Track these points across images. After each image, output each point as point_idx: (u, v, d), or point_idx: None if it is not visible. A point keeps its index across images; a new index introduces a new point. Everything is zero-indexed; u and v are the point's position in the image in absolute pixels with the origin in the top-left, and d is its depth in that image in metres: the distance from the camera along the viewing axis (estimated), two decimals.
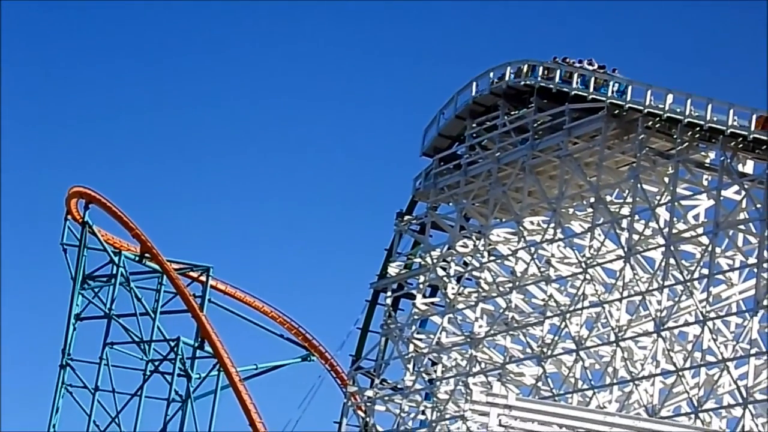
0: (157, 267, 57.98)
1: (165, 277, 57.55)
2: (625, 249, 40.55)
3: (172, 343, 56.50)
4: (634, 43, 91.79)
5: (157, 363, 56.56)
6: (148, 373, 56.48)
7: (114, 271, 57.80)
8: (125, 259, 58.19)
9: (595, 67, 42.52)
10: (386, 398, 47.58)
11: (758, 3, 71.95)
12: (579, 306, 41.27)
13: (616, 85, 41.50)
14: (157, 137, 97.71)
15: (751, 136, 37.35)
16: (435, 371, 46.66)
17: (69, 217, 58.98)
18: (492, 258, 45.71)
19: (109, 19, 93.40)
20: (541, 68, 44.03)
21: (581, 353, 40.70)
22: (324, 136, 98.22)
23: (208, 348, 56.28)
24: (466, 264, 46.99)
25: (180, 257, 59.07)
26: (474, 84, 46.52)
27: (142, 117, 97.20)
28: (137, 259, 58.57)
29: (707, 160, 40.22)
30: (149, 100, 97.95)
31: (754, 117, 37.38)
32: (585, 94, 42.12)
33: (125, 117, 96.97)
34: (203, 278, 58.53)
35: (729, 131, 37.82)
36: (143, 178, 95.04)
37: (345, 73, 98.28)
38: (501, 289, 44.71)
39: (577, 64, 43.02)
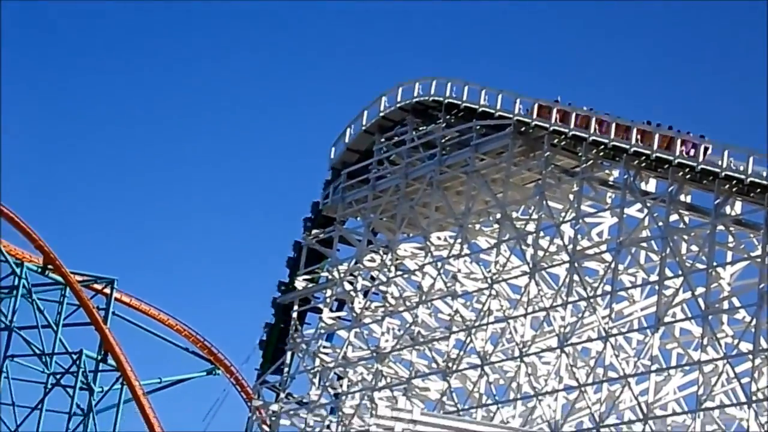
0: (60, 279, 57.21)
1: (68, 289, 56.81)
2: (530, 265, 40.95)
3: (75, 356, 55.77)
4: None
5: (59, 376, 55.76)
6: (49, 386, 55.66)
7: (16, 283, 56.92)
8: (27, 270, 57.34)
9: None
10: (291, 412, 47.42)
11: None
12: (484, 321, 41.56)
13: None
14: (58, 146, 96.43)
15: (654, 155, 38.00)
16: (341, 385, 46.62)
17: None
18: (399, 273, 45.84)
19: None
20: (449, 84, 44.36)
21: (486, 368, 40.97)
22: (229, 148, 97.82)
23: (111, 361, 55.66)
24: (373, 278, 47.06)
25: (84, 269, 58.35)
26: (383, 99, 46.71)
27: (43, 124, 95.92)
28: (40, 270, 57.76)
29: (611, 178, 40.80)
30: (50, 106, 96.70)
31: (657, 136, 38.11)
32: (492, 111, 42.50)
33: (26, 124, 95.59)
34: (107, 291, 57.89)
35: (632, 150, 38.44)
36: (46, 189, 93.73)
37: (256, 82, 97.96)
38: (407, 303, 44.85)
39: None
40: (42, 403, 55.40)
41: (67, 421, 55.10)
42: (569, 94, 42.00)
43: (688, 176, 37.54)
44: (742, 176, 36.14)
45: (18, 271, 57.03)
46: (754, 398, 35.00)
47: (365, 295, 46.90)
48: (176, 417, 73.44)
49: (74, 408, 55.28)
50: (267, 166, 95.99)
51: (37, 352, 56.13)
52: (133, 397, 54.79)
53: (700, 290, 37.01)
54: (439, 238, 45.52)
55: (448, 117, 44.40)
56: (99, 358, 55.84)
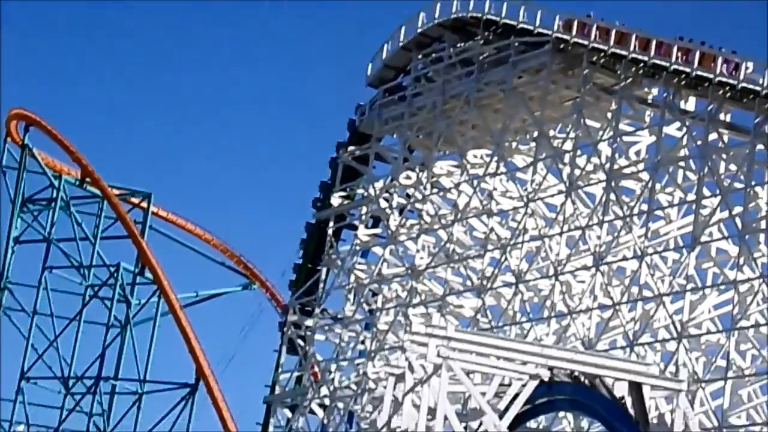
0: (97, 192, 57.46)
1: (105, 202, 57.05)
2: (567, 184, 40.80)
3: (112, 269, 56.16)
4: None
5: (96, 288, 56.24)
6: (87, 298, 56.18)
7: (54, 195, 57.22)
8: (65, 183, 57.61)
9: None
10: (326, 328, 47.78)
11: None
12: (519, 240, 41.56)
13: None
14: (98, 60, 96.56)
15: (694, 73, 37.58)
16: (375, 302, 46.87)
17: (8, 139, 58.21)
18: (434, 190, 45.82)
19: None
20: (488, 0, 43.91)
21: (520, 286, 41.06)
22: (266, 64, 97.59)
23: (148, 274, 56.01)
24: (408, 196, 47.06)
25: (121, 182, 58.60)
26: (420, 15, 46.32)
27: (84, 40, 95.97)
28: (77, 183, 58.01)
29: (650, 97, 40.43)
30: (89, 23, 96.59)
31: (697, 54, 37.65)
32: (531, 28, 42.08)
33: (65, 39, 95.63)
34: (144, 204, 58.11)
35: (672, 68, 38.02)
36: (84, 102, 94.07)
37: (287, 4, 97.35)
38: (443, 221, 44.88)
39: None
40: (80, 314, 55.86)
41: (104, 332, 55.72)
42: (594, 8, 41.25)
43: (728, 95, 37.14)
44: None
45: (56, 183, 57.31)
46: None
47: (401, 212, 46.95)
48: (212, 330, 74.29)
49: (112, 320, 55.85)
50: (305, 83, 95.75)
51: (75, 264, 56.55)
52: (169, 310, 55.21)
53: (737, 210, 36.81)
54: (475, 156, 45.37)
55: (486, 34, 43.99)
56: (136, 271, 56.19)
